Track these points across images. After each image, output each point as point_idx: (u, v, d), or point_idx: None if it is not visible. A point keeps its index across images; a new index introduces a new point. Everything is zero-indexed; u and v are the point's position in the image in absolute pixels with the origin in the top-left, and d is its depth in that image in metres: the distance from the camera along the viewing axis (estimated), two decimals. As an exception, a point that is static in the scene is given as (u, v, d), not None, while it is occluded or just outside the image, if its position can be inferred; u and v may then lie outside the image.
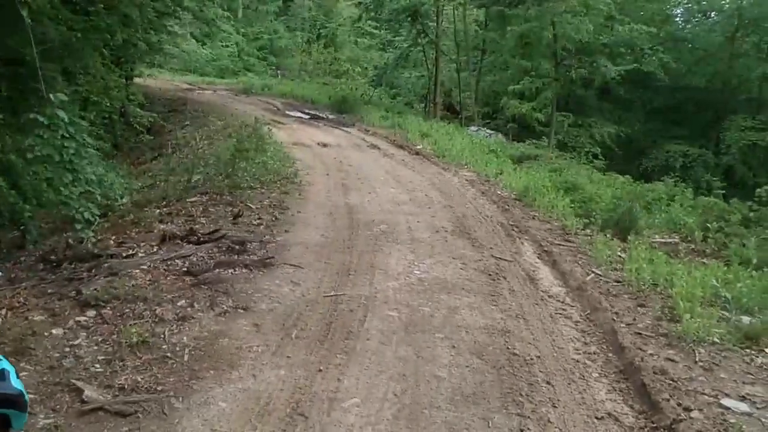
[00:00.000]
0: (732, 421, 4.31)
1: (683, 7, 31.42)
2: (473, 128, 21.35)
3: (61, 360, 4.75)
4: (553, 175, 12.13)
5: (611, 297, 6.51)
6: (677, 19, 31.59)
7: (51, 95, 6.76)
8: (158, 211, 9.63)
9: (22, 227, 9.40)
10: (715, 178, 16.29)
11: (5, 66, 10.66)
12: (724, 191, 12.05)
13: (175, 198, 10.45)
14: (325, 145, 15.83)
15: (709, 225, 8.88)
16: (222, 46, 41.30)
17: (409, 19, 25.16)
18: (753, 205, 9.67)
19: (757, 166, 25.84)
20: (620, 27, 21.05)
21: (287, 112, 22.68)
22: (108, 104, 14.78)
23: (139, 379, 4.48)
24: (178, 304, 5.74)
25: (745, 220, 9.31)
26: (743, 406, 4.53)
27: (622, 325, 5.79)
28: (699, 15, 30.63)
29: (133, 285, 6.06)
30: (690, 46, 28.59)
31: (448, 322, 5.78)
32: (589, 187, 11.07)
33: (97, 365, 4.69)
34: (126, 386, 4.38)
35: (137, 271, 6.45)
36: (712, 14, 30.09)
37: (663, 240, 8.71)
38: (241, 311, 5.69)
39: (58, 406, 4.14)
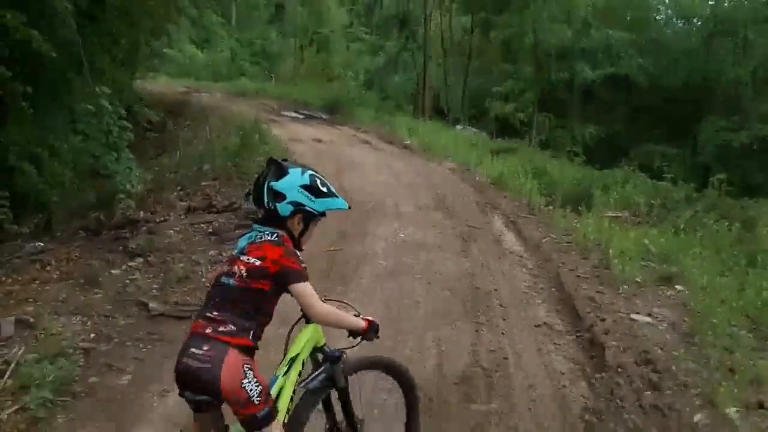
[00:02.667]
0: (634, 327, 5.81)
1: (663, 13, 33.10)
2: (459, 127, 22.92)
3: (125, 288, 6.23)
4: (525, 163, 13.68)
5: (561, 253, 8.02)
6: (660, 22, 33.13)
7: (97, 88, 8.24)
8: (175, 193, 11.09)
9: (47, 211, 10.81)
10: (666, 164, 17.80)
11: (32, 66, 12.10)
12: (672, 175, 13.71)
13: (191, 183, 11.91)
14: (319, 141, 17.30)
15: (653, 202, 10.45)
16: (217, 51, 42.69)
17: (399, 25, 26.76)
18: (697, 187, 11.23)
19: (731, 165, 27.41)
20: (595, 33, 22.69)
21: (282, 113, 24.13)
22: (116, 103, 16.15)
23: (187, 299, 5.97)
24: (209, 253, 7.24)
25: (687, 199, 10.88)
26: (647, 319, 6.04)
27: (566, 270, 7.30)
28: (679, 20, 32.29)
29: (169, 241, 7.55)
30: (669, 49, 30.14)
31: (425, 269, 7.29)
32: (556, 172, 12.61)
33: (154, 291, 6.18)
34: (179, 302, 5.87)
35: (171, 231, 7.95)
36: (694, 19, 31.71)
37: (614, 214, 10.24)
38: (260, 259, 7.16)
39: (131, 314, 5.63)
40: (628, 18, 28.28)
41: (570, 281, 6.96)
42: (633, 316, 6.09)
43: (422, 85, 26.77)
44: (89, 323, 5.39)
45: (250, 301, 2.61)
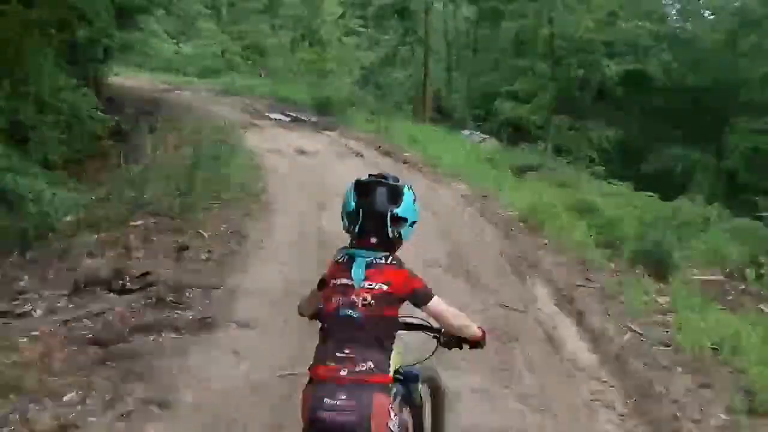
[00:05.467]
0: None
1: (677, 7, 29.86)
2: (465, 132, 19.67)
3: None
4: (562, 191, 10.42)
5: (662, 371, 4.83)
6: (674, 17, 30.00)
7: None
8: (95, 236, 7.87)
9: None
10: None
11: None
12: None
13: (119, 219, 8.69)
14: (303, 153, 14.12)
15: (762, 260, 7.22)
16: (205, 45, 39.55)
17: (397, 15, 23.44)
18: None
19: (760, 170, 24.38)
20: (623, 24, 19.38)
21: (267, 114, 20.96)
22: (65, 107, 13.05)
23: None
24: (65, 398, 4.00)
25: (798, 250, 7.65)
26: None
27: (689, 423, 4.11)
28: (695, 14, 29.11)
29: (12, 362, 4.34)
30: (689, 46, 26.83)
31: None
32: (608, 208, 9.26)
33: None
34: None
35: (26, 339, 4.71)
36: (706, 13, 28.61)
37: (705, 277, 7.05)
38: (154, 409, 3.96)
39: None
40: (643, 9, 25.01)
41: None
42: None
43: (423, 82, 23.41)
44: None
45: (381, 330, 2.40)
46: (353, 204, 2.47)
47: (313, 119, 20.33)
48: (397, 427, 2.35)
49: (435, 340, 2.74)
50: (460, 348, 2.70)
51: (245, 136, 15.51)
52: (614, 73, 19.80)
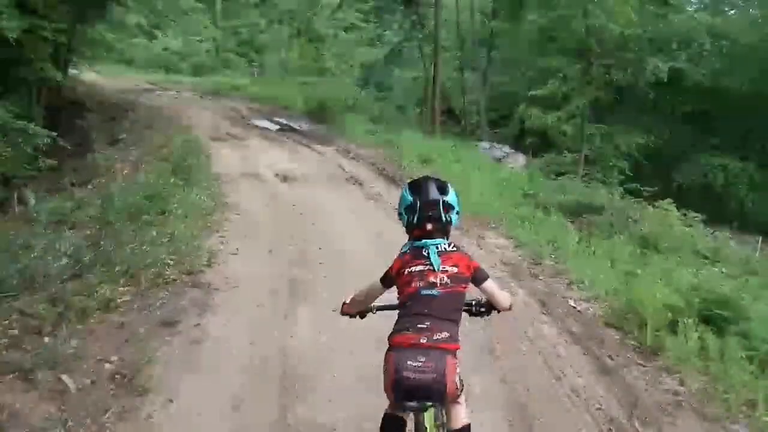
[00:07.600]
0: None
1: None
2: (484, 145, 16.14)
3: None
4: (654, 260, 6.85)
5: None
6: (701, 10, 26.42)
7: None
8: None
9: None
10: None
11: None
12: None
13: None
14: (287, 179, 10.72)
15: None
16: (197, 40, 36.21)
17: (403, 7, 19.86)
18: None
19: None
20: (676, 17, 15.82)
21: (252, 121, 17.54)
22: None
23: None
24: None
25: None
26: None
27: None
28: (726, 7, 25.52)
29: None
30: (726, 42, 23.23)
31: None
32: (755, 311, 5.48)
33: None
34: None
35: None
36: (726, 8, 25.10)
37: None
38: None
39: None
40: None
41: None
42: None
43: (432, 83, 19.83)
44: None
45: (453, 304, 2.70)
46: (410, 198, 2.76)
47: (305, 128, 16.93)
48: (459, 380, 2.64)
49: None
50: (489, 314, 2.98)
51: (219, 153, 12.17)
52: (665, 74, 16.18)
